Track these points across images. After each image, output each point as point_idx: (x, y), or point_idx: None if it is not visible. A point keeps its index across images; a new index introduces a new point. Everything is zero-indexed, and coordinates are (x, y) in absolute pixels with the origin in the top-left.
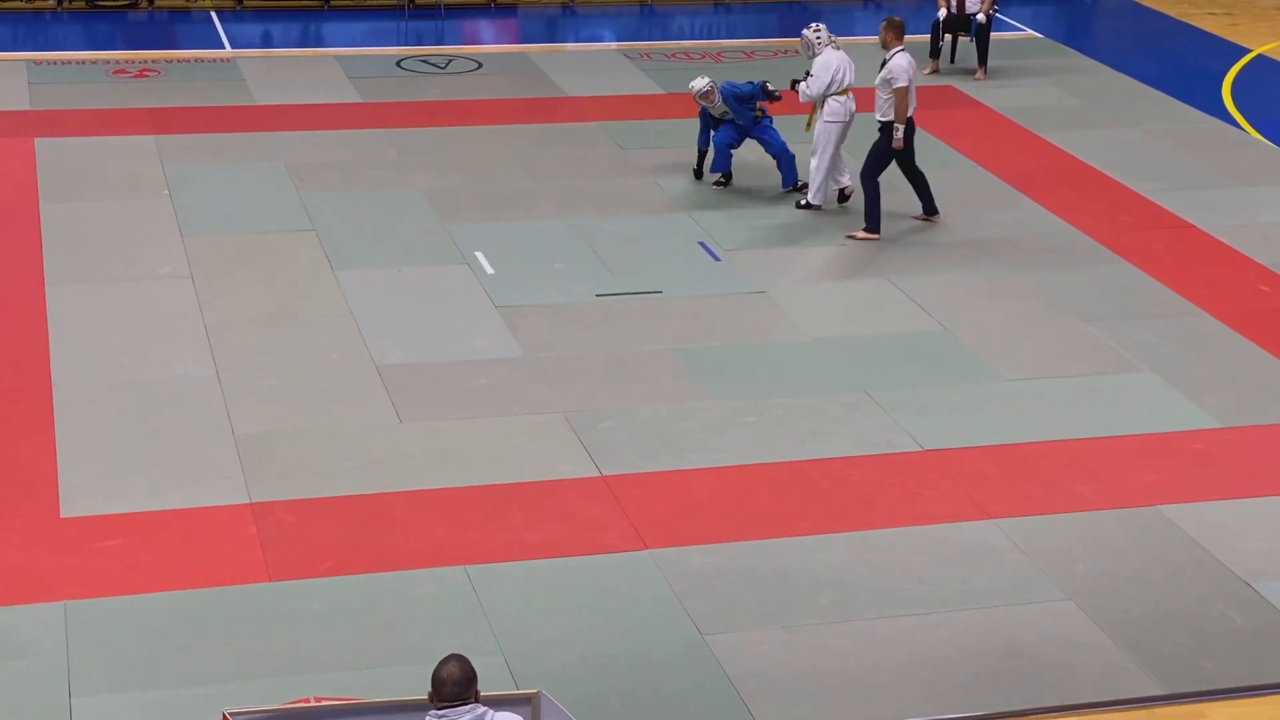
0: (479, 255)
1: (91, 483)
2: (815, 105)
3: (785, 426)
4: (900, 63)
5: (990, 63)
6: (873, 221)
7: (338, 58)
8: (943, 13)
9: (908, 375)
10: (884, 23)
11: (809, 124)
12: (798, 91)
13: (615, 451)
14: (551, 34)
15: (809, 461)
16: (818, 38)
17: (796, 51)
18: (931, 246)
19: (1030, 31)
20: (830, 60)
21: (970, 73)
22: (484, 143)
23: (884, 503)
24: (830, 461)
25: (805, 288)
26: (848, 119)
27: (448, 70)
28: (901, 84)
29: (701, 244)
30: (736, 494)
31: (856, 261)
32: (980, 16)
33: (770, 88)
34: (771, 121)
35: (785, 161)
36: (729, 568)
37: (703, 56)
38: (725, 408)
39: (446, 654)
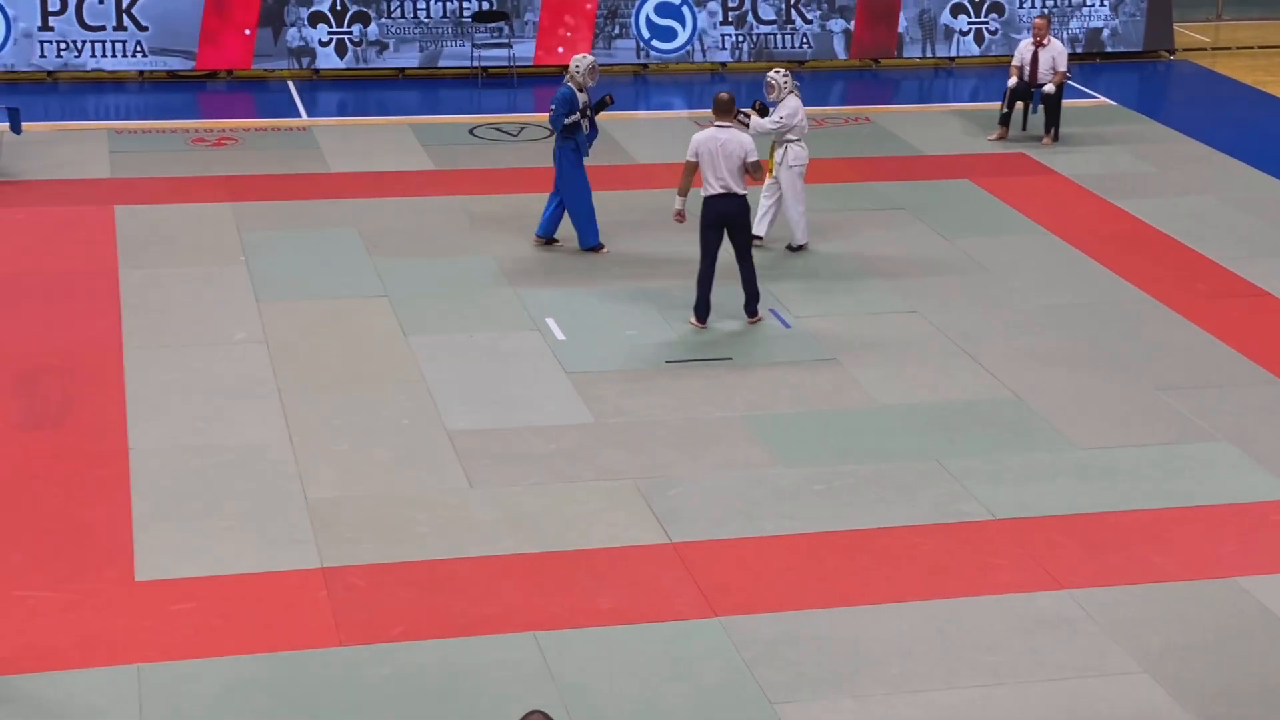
0: (550, 321)
1: (166, 546)
2: (773, 152)
3: (856, 494)
4: (694, 138)
5: (1062, 129)
6: (696, 304)
7: (411, 125)
8: (1013, 81)
9: (979, 443)
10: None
11: (771, 172)
12: (748, 119)
13: (685, 518)
14: (623, 101)
15: (880, 529)
16: (785, 82)
17: (868, 119)
18: (1003, 314)
19: (1102, 98)
20: (795, 106)
21: (1039, 139)
22: None
23: (955, 572)
24: (901, 530)
25: (876, 355)
26: (806, 162)
27: (520, 138)
28: (688, 157)
29: (772, 310)
30: (807, 561)
31: (927, 329)
32: (1049, 87)
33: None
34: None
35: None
36: (799, 636)
37: None
38: (795, 475)
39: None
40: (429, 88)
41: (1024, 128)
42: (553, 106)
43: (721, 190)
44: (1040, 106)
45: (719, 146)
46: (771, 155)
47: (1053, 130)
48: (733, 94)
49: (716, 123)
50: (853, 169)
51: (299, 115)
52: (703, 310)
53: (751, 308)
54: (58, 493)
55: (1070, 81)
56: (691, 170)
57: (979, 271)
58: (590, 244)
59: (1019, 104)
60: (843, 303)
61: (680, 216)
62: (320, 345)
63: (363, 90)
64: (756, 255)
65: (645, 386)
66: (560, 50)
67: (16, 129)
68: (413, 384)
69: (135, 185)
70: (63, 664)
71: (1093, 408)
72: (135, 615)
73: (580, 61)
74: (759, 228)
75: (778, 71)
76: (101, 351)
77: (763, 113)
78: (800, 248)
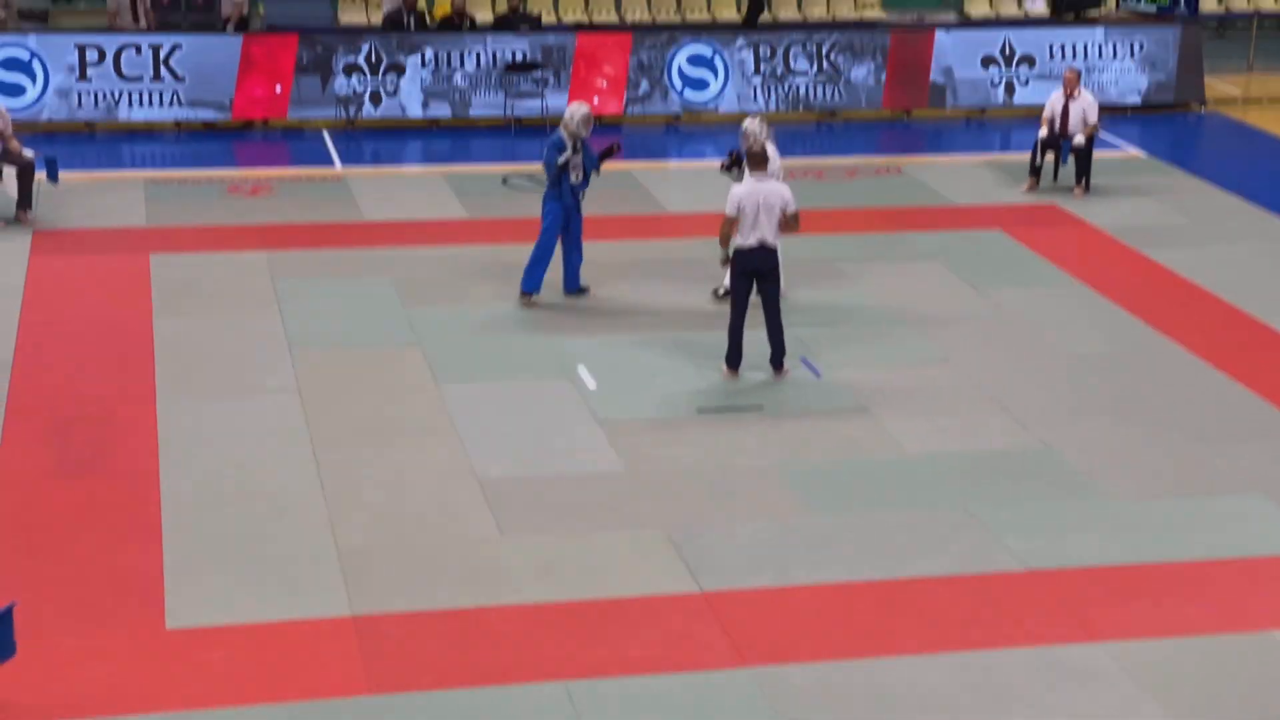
0: (581, 369)
1: (197, 594)
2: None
3: (888, 544)
4: (733, 190)
5: (1093, 180)
6: (728, 355)
7: (445, 175)
8: (1044, 132)
9: (1011, 493)
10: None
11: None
12: (731, 173)
13: (716, 567)
14: (655, 151)
15: (912, 580)
16: (760, 129)
17: (900, 169)
18: (1035, 364)
19: (1133, 150)
20: (773, 153)
21: (1070, 190)
22: (588, 258)
23: (987, 623)
24: (933, 580)
25: (907, 404)
26: None
27: None
28: (728, 212)
29: (803, 360)
30: (838, 611)
31: (958, 378)
32: (1079, 139)
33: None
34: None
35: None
36: (830, 686)
37: (805, 174)
38: (827, 524)
39: None
40: (463, 137)
41: (1055, 179)
42: (545, 152)
43: (756, 243)
44: (1070, 158)
45: (761, 199)
46: None
47: (1084, 181)
48: (765, 145)
49: (752, 174)
50: (884, 219)
51: (333, 165)
52: (735, 359)
53: (778, 361)
54: (90, 540)
55: (1101, 133)
56: (731, 224)
57: (1011, 322)
58: (528, 289)
59: (1049, 155)
60: (874, 352)
61: (726, 262)
62: (353, 393)
63: (397, 140)
64: (797, 305)
65: (676, 435)
66: (595, 100)
67: (54, 178)
68: (444, 432)
69: (171, 234)
70: (94, 712)
71: (1125, 459)
72: (166, 663)
73: (575, 111)
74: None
75: (753, 119)
76: (135, 399)
77: (738, 163)
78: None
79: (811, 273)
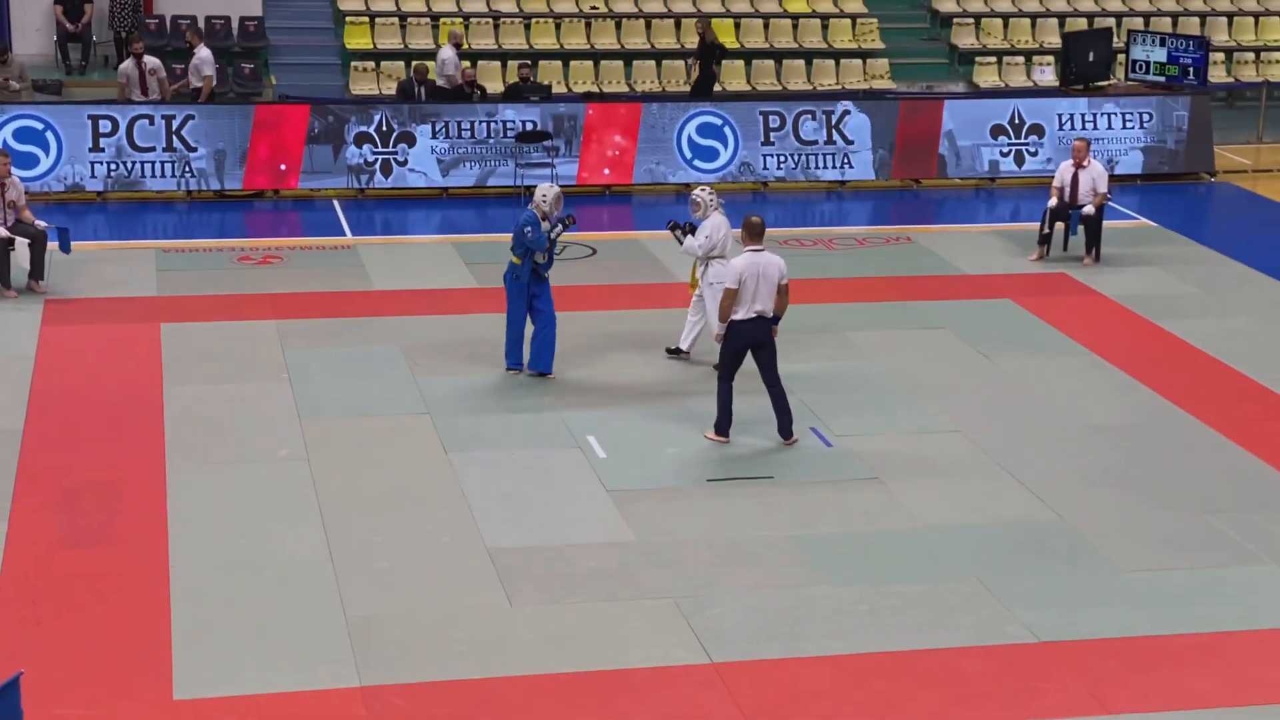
0: (591, 439)
1: (205, 664)
2: (696, 265)
3: (899, 615)
4: (733, 264)
5: (1103, 250)
6: (718, 422)
7: (455, 244)
8: (1053, 201)
9: (1024, 565)
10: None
11: (694, 289)
12: (676, 238)
13: (726, 638)
14: (663, 221)
15: (924, 651)
16: (710, 199)
17: (909, 239)
18: (1046, 433)
19: (1143, 219)
20: (719, 223)
21: (1079, 259)
22: (598, 327)
23: (1000, 695)
24: (945, 652)
25: (918, 475)
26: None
27: (563, 256)
28: (729, 285)
29: (813, 429)
30: (850, 683)
31: (970, 449)
32: (1089, 208)
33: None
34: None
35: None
36: None
37: (814, 243)
38: (838, 595)
39: None
40: (473, 206)
41: (1065, 248)
42: (527, 230)
43: (754, 315)
44: (1080, 227)
45: (760, 270)
46: (694, 273)
47: (1094, 250)
48: (763, 218)
49: (750, 247)
50: (894, 288)
51: (344, 234)
52: (725, 425)
53: (787, 430)
54: (98, 610)
55: (1111, 203)
56: (733, 297)
57: (1021, 391)
58: (512, 365)
59: (1059, 224)
60: (884, 422)
61: (719, 339)
62: (362, 462)
63: (407, 209)
64: (809, 374)
65: (686, 505)
66: (606, 172)
67: (65, 248)
68: (454, 501)
69: (181, 303)
70: None
71: (1138, 530)
72: None
73: (548, 191)
74: (684, 342)
75: (703, 189)
76: (145, 468)
77: (687, 231)
78: (686, 353)
79: (821, 341)
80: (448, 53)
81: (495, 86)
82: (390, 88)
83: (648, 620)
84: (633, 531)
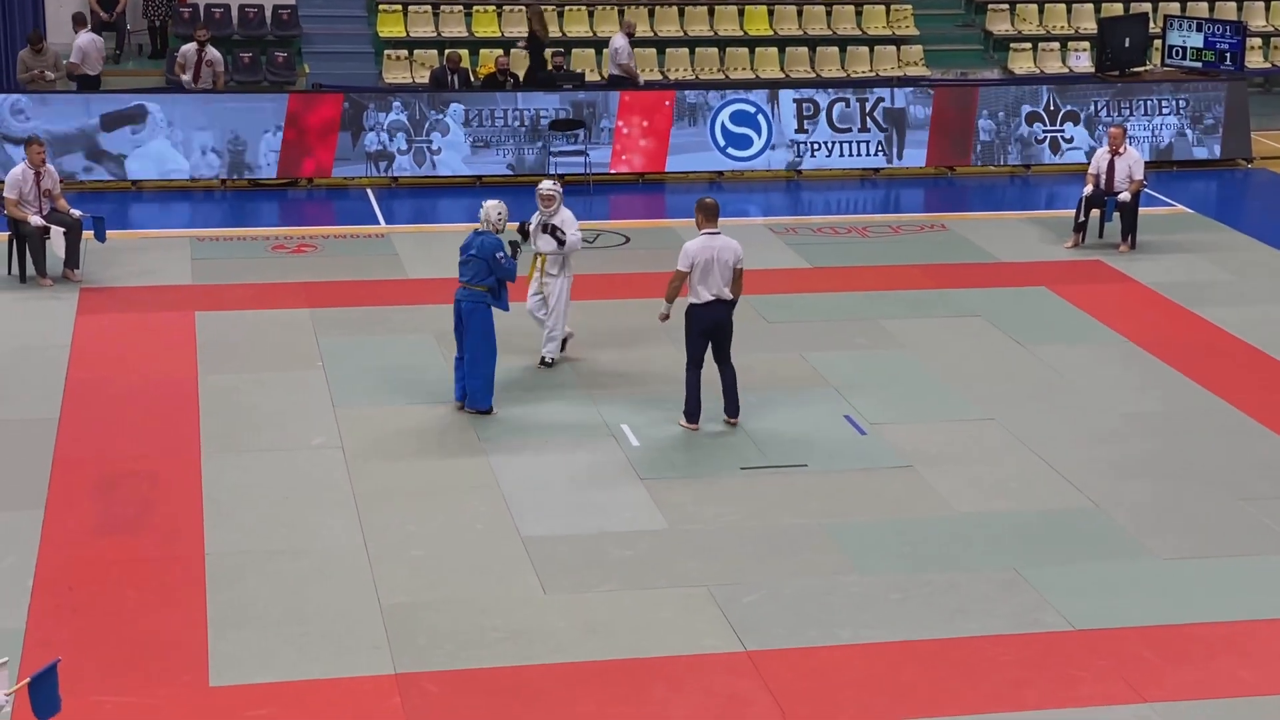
0: (624, 428)
1: (241, 652)
2: (535, 259)
3: (933, 603)
4: (686, 246)
5: (1139, 237)
6: (686, 409)
7: None
8: (1089, 189)
9: (1059, 553)
10: (696, 204)
11: (531, 274)
12: (520, 246)
13: (760, 626)
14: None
15: (958, 639)
16: (557, 191)
17: (944, 226)
18: (1081, 421)
19: (1179, 206)
20: (571, 216)
21: (1115, 246)
22: (631, 316)
23: (1035, 684)
24: (979, 640)
25: (952, 463)
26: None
27: (596, 244)
28: (679, 267)
29: (847, 417)
30: (883, 671)
31: (1004, 437)
32: (1125, 195)
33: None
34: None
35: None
36: None
37: (849, 230)
38: (872, 583)
39: None
40: (506, 194)
41: (1100, 235)
42: (501, 256)
43: (712, 298)
44: (1116, 214)
45: (714, 254)
46: (536, 268)
47: (1129, 237)
48: (717, 201)
49: (705, 230)
50: (928, 276)
51: (377, 222)
52: (695, 413)
53: (733, 410)
54: (134, 597)
55: (1147, 189)
56: (682, 279)
57: (1056, 379)
58: (486, 406)
59: (1095, 211)
60: (918, 410)
61: (663, 318)
62: (396, 451)
63: (440, 197)
64: (843, 362)
65: (720, 493)
66: (639, 160)
67: (101, 237)
68: (487, 490)
69: (216, 292)
70: None
71: (1173, 518)
72: None
73: (501, 208)
74: (551, 352)
75: (551, 181)
76: (180, 456)
77: (524, 234)
78: (552, 363)
79: (855, 329)
80: (620, 41)
81: None
82: (423, 76)
83: (681, 608)
84: (666, 520)
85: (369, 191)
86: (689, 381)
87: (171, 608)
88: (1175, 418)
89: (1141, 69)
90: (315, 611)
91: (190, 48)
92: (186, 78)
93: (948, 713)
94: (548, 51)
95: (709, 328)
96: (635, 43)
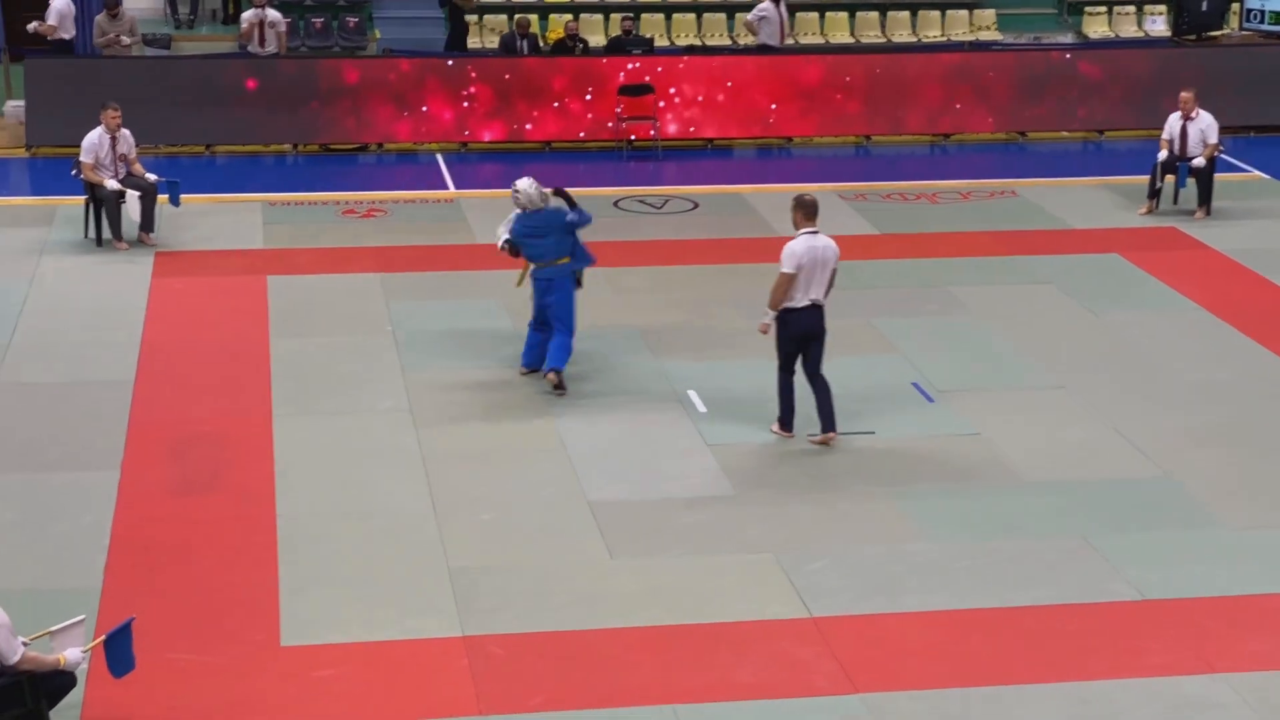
0: (692, 394)
1: (311, 612)
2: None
3: (1001, 571)
4: (791, 248)
5: (1214, 203)
6: (781, 417)
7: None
8: (1163, 154)
9: (1128, 522)
10: (793, 201)
11: (520, 281)
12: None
13: (825, 593)
14: (766, 175)
15: (1025, 608)
16: (534, 191)
17: (1014, 192)
18: (1153, 390)
19: (1256, 172)
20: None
21: (1191, 213)
22: (699, 282)
23: (1103, 653)
24: (1047, 609)
25: (1021, 430)
26: None
27: (664, 210)
28: (786, 269)
29: (915, 385)
30: (949, 639)
31: (1073, 405)
32: (1199, 161)
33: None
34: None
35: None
36: (940, 714)
37: (918, 197)
38: (939, 550)
39: None
40: (574, 160)
41: (1175, 201)
42: (571, 218)
43: (809, 303)
44: (1190, 180)
45: (818, 255)
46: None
47: (1205, 204)
48: (816, 199)
49: (805, 229)
50: (998, 242)
51: (446, 187)
52: (790, 419)
53: (829, 425)
54: (208, 557)
55: (1222, 154)
56: (790, 283)
57: (1128, 347)
58: (561, 365)
59: (1169, 177)
60: (988, 377)
61: (766, 330)
62: (465, 414)
63: (509, 162)
64: (911, 329)
65: (787, 460)
66: (694, 129)
67: (175, 201)
68: (555, 454)
69: (287, 256)
70: None
71: (1246, 488)
72: (280, 680)
73: (531, 186)
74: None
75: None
76: (252, 418)
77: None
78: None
79: (925, 296)
80: (768, 8)
81: (598, 40)
82: (493, 42)
83: (747, 574)
84: (733, 485)
85: (438, 156)
86: (782, 385)
87: (243, 568)
88: (1249, 386)
89: (1219, 33)
90: (384, 574)
91: (250, 14)
92: (254, 47)
93: (1013, 681)
94: (616, 15)
95: (803, 333)
96: (703, 8)
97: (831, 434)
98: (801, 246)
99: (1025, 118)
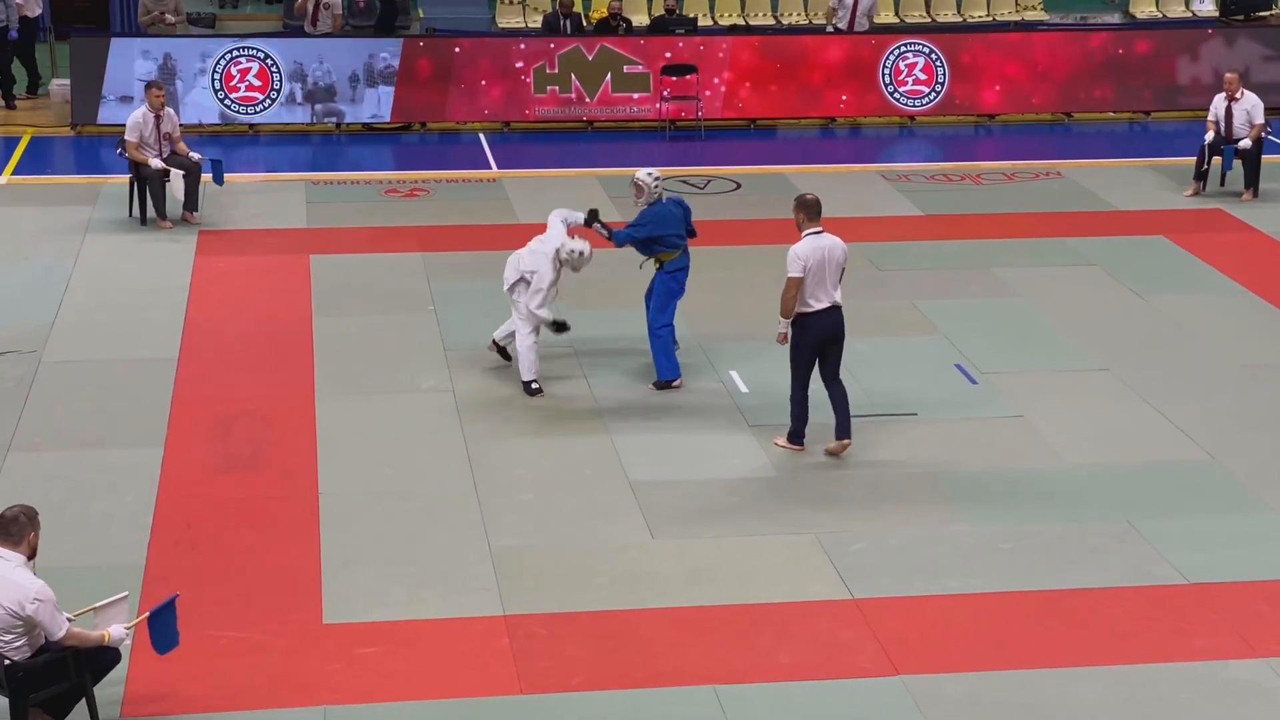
0: (733, 374)
1: (353, 590)
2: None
3: (1043, 554)
4: (796, 251)
5: (1263, 185)
6: (795, 430)
7: (599, 178)
8: (1210, 135)
9: (1173, 505)
10: (794, 202)
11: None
12: (598, 229)
13: (867, 574)
14: (810, 155)
15: (1067, 591)
16: (654, 183)
17: (1060, 174)
18: (1198, 373)
19: None
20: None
21: (1238, 195)
22: (741, 262)
23: (1146, 636)
24: (1090, 592)
25: (1065, 412)
26: None
27: (706, 190)
28: (793, 274)
29: (958, 366)
30: (992, 621)
31: (1119, 387)
32: (1246, 142)
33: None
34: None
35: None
36: (982, 697)
37: (962, 178)
38: (981, 533)
39: None
40: (616, 139)
41: (1222, 183)
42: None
43: (827, 305)
44: (1236, 161)
45: (824, 255)
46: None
47: (1253, 186)
48: (818, 196)
49: (809, 230)
50: (1044, 224)
51: (489, 167)
52: (802, 434)
53: (845, 430)
54: (250, 535)
55: (1270, 135)
56: (798, 287)
57: (1173, 330)
58: (671, 377)
59: (1216, 159)
60: (1031, 359)
61: (784, 339)
62: (506, 395)
63: (551, 142)
64: (953, 311)
65: (828, 440)
66: (740, 106)
67: (219, 180)
68: (596, 434)
69: (330, 235)
70: (252, 704)
71: None
72: (322, 658)
73: (651, 177)
74: (505, 335)
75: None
76: (295, 397)
77: (596, 219)
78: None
79: (969, 278)
80: None
81: (641, 19)
82: (536, 21)
83: (788, 555)
84: (774, 466)
85: (481, 136)
86: (797, 401)
87: (286, 546)
88: None
89: (1267, 13)
90: (425, 553)
91: None
92: (307, 27)
93: (1056, 664)
94: None
95: (824, 338)
96: None
97: (846, 441)
98: (806, 248)
99: (1071, 98)
